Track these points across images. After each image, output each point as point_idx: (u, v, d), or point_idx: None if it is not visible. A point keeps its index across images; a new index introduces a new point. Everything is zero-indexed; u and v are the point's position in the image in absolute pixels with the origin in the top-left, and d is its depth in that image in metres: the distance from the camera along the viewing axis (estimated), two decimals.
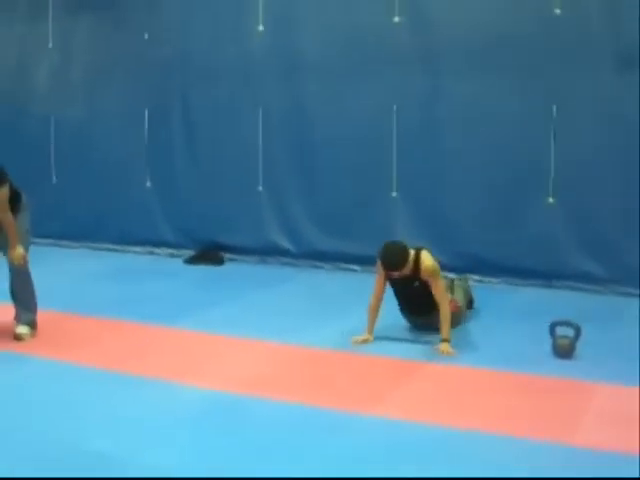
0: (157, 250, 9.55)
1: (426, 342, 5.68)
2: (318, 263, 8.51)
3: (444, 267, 7.55)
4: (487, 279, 7.75)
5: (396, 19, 7.88)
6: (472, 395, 4.61)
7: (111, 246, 9.82)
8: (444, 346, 5.44)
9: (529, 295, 7.38)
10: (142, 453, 3.75)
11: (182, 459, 3.67)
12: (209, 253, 9.03)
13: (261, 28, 8.61)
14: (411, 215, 7.98)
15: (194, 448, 3.79)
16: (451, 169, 7.78)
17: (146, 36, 9.32)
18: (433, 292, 5.63)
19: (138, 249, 9.64)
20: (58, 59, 9.98)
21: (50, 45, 9.99)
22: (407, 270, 5.59)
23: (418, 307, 5.92)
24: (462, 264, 7.74)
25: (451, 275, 7.72)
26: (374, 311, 5.78)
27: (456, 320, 5.86)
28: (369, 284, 5.92)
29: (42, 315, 6.02)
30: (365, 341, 5.69)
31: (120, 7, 9.52)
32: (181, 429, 4.06)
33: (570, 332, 5.37)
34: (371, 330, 5.74)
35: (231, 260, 9.01)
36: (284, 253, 8.78)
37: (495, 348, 5.60)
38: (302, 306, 6.94)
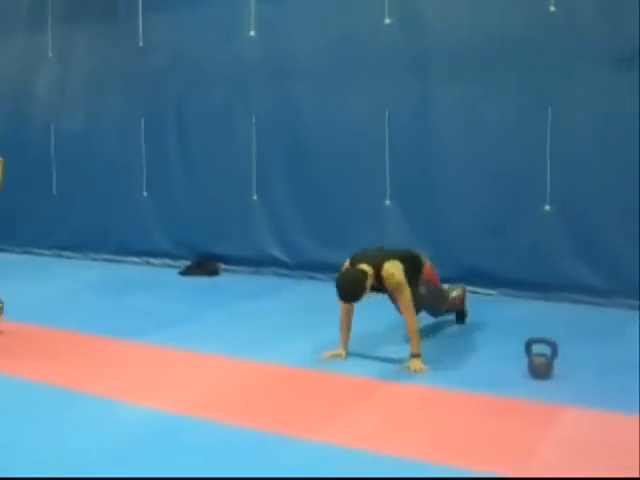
0: (154, 260, 9.40)
1: (399, 360, 5.36)
2: (313, 274, 8.25)
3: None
4: (482, 291, 7.42)
5: (387, 20, 7.61)
6: (425, 420, 4.31)
7: (110, 257, 9.71)
8: (415, 362, 5.15)
9: (524, 308, 7.04)
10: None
11: None
12: (204, 264, 8.84)
13: (252, 33, 8.40)
14: (405, 224, 7.69)
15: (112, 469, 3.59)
16: (445, 176, 7.50)
17: (141, 43, 9.17)
18: (399, 304, 5.33)
19: (136, 259, 9.51)
20: (58, 69, 9.88)
21: (50, 54, 9.88)
22: (367, 292, 5.24)
23: None
24: (457, 275, 7.41)
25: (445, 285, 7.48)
26: (346, 327, 5.50)
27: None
28: None
29: (15, 327, 6.13)
30: (336, 356, 5.41)
31: (116, 15, 9.38)
32: (108, 452, 3.86)
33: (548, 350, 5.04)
34: (344, 346, 5.46)
35: (226, 271, 8.80)
36: (279, 263, 8.55)
37: (472, 366, 5.31)
38: (285, 319, 6.69)
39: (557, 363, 5.00)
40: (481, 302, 7.19)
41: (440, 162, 7.49)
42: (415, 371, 5.09)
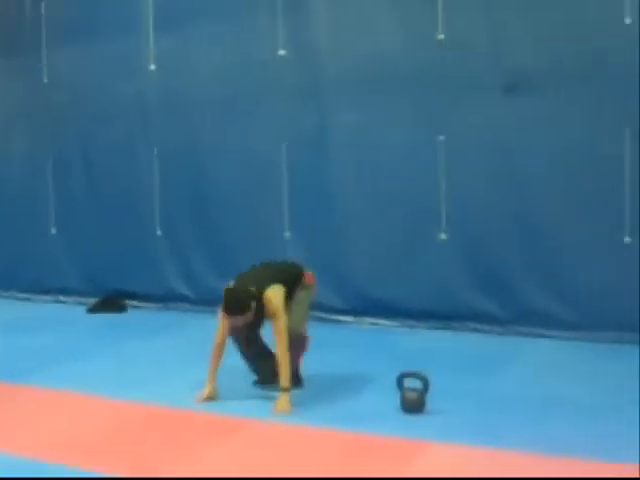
0: (64, 298, 9.24)
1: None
2: (217, 308, 8.09)
3: (338, 310, 7.26)
4: (382, 322, 7.35)
5: (281, 52, 7.57)
6: (281, 461, 4.18)
7: (21, 295, 9.55)
8: (281, 401, 5.00)
9: (422, 338, 6.96)
10: None
11: None
12: (112, 301, 8.70)
13: (152, 67, 8.33)
14: (306, 256, 7.50)
15: None
16: (343, 207, 7.45)
17: (45, 80, 9.08)
18: (273, 330, 5.14)
19: (47, 297, 9.35)
20: None
21: None
22: (250, 316, 5.14)
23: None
24: (357, 305, 7.40)
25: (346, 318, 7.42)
26: (217, 355, 5.33)
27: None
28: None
29: None
30: (209, 398, 5.25)
31: (20, 51, 9.34)
32: None
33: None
34: (212, 379, 5.28)
35: (134, 307, 8.67)
36: (184, 299, 8.46)
37: (348, 401, 5.20)
38: (176, 357, 6.55)
39: (432, 396, 4.90)
40: (379, 333, 7.14)
41: (338, 193, 7.45)
42: (278, 412, 4.96)
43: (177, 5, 8.20)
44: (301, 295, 5.43)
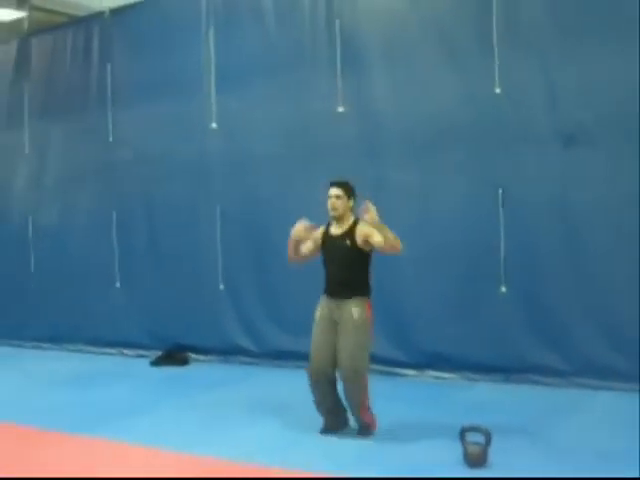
0: (127, 351, 9.44)
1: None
2: (279, 362, 8.21)
3: (401, 364, 7.31)
4: (445, 375, 7.37)
5: (340, 109, 7.74)
6: None
7: (86, 347, 9.79)
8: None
9: (483, 391, 6.95)
10: None
11: None
12: (175, 354, 8.84)
13: (214, 126, 8.58)
14: None
15: None
16: (401, 262, 7.47)
17: (111, 139, 9.39)
18: (376, 243, 5.63)
19: (110, 350, 9.56)
20: (34, 164, 10.15)
21: (27, 151, 10.16)
22: (346, 203, 5.85)
23: (340, 285, 5.73)
24: (419, 360, 7.44)
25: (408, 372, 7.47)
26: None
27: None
28: None
29: None
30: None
31: (88, 111, 9.74)
32: None
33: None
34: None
35: (196, 360, 8.80)
36: (246, 352, 8.55)
37: (412, 454, 5.24)
38: (238, 409, 6.62)
39: (494, 449, 4.93)
40: (441, 387, 7.15)
41: None
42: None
43: (238, 64, 8.46)
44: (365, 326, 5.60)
